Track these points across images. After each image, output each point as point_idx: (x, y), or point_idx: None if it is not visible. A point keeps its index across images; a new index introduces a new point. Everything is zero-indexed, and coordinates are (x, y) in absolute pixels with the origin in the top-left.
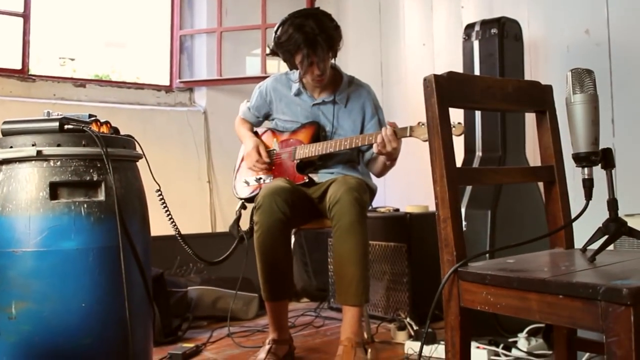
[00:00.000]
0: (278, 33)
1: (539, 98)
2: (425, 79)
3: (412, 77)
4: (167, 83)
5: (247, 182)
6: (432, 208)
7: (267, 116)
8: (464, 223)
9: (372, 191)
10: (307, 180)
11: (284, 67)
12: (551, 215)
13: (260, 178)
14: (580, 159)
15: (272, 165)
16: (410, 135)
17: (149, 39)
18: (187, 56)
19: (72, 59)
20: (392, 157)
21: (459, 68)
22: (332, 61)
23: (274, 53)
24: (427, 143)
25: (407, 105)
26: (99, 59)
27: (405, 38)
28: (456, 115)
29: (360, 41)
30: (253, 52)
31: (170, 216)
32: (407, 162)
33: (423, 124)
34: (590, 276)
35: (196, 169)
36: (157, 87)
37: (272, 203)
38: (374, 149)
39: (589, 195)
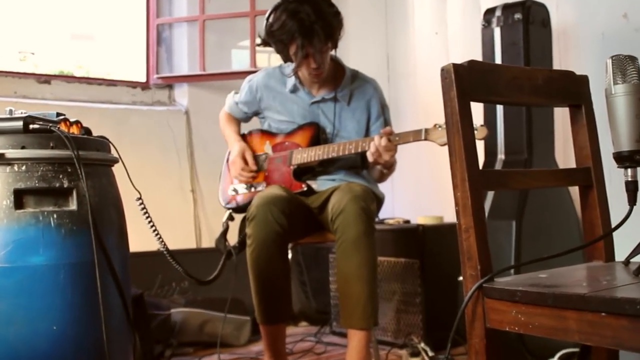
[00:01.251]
0: (270, 20)
1: (573, 90)
2: (443, 70)
3: (422, 71)
4: (143, 79)
5: (235, 190)
6: (447, 219)
7: (256, 114)
8: None
9: (379, 200)
10: (305, 189)
11: (275, 60)
12: (588, 223)
13: (252, 186)
14: (623, 159)
15: (265, 172)
16: (425, 139)
17: (121, 29)
18: (165, 48)
19: (33, 53)
20: (388, 165)
21: (477, 56)
22: (332, 53)
23: (265, 43)
24: (444, 147)
25: (417, 103)
26: (64, 53)
27: (415, 25)
28: (475, 114)
29: (364, 29)
30: (240, 43)
31: (154, 229)
32: (418, 168)
33: (440, 127)
34: (637, 291)
35: (178, 177)
36: (132, 84)
37: (267, 214)
38: (369, 158)
39: (633, 200)
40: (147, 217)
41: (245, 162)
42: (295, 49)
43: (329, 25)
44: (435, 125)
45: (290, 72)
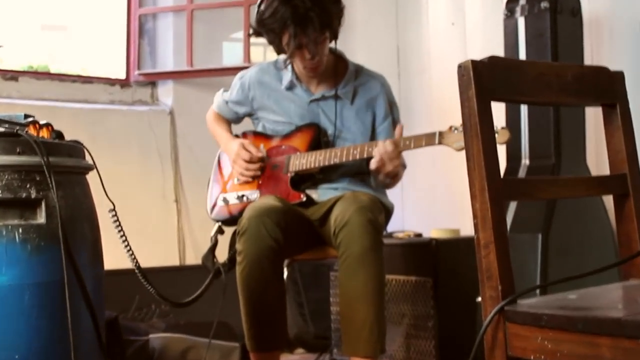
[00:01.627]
0: (262, 7)
1: (607, 88)
2: (460, 66)
3: (437, 66)
4: (123, 76)
5: (225, 200)
6: (464, 232)
7: (248, 114)
8: None
9: (388, 211)
10: (304, 199)
11: (272, 55)
12: (624, 237)
13: (243, 195)
14: None
15: (259, 180)
16: (439, 143)
17: (99, 19)
18: (148, 41)
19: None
20: (391, 175)
21: (498, 53)
22: (332, 45)
23: (257, 33)
24: (461, 153)
25: (431, 102)
26: (34, 46)
27: (430, 15)
28: (496, 115)
29: (371, 20)
30: (233, 35)
31: (126, 243)
32: (432, 175)
33: (456, 129)
34: None
35: (160, 185)
36: (110, 81)
37: (260, 227)
38: (371, 166)
39: None
40: (119, 230)
41: (250, 152)
42: (288, 38)
43: (326, 13)
44: (450, 128)
45: (282, 65)
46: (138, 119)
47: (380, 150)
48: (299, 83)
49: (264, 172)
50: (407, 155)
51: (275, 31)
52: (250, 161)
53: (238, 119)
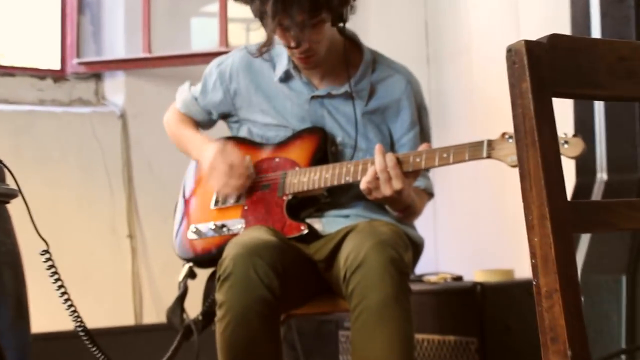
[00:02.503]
0: None
1: None
2: (510, 50)
3: (480, 47)
4: (57, 66)
5: (198, 232)
6: (520, 274)
7: (225, 116)
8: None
9: (416, 247)
10: (304, 231)
11: (255, 38)
12: None
13: (223, 226)
14: None
15: (244, 204)
16: (489, 157)
17: None
18: (90, 19)
19: None
20: (397, 206)
21: (562, 29)
22: (332, 27)
23: None
24: (515, 169)
25: (472, 96)
26: None
27: None
28: (560, 117)
29: None
30: (203, 9)
31: (65, 296)
32: (475, 198)
33: (511, 138)
34: None
35: (109, 215)
36: (39, 73)
37: (248, 270)
38: (361, 187)
39: None
40: (55, 280)
41: (233, 158)
42: (268, 14)
43: None
44: (504, 135)
45: (280, 52)
46: (78, 125)
47: (377, 164)
48: (298, 74)
49: (251, 193)
50: (440, 171)
51: (255, 2)
52: (232, 168)
53: (210, 123)
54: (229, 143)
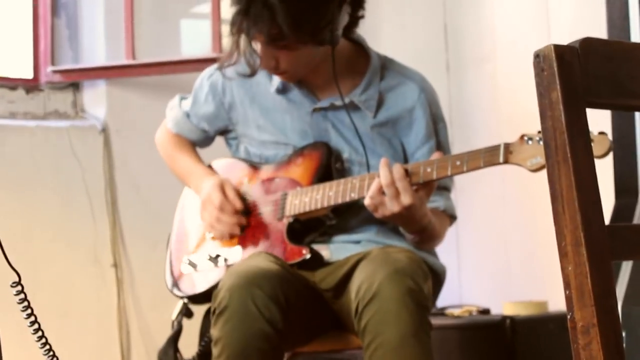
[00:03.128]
0: None
1: None
2: (537, 55)
3: (506, 51)
4: (30, 74)
5: (192, 264)
6: (554, 306)
7: (222, 131)
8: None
9: (437, 276)
10: (307, 257)
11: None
12: None
13: (219, 256)
14: None
15: (242, 231)
16: (506, 162)
17: None
18: (66, 22)
19: None
20: (412, 228)
21: (598, 31)
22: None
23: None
24: (539, 175)
25: (497, 106)
26: None
27: None
28: (595, 125)
29: None
30: (193, 10)
31: (40, 334)
32: (502, 220)
33: (530, 139)
34: None
35: (90, 242)
36: (9, 83)
37: (247, 302)
38: (365, 203)
39: None
40: (28, 315)
41: (225, 195)
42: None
43: (303, 11)
44: (522, 138)
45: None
46: (54, 141)
47: (382, 177)
48: (296, 84)
49: (249, 218)
50: (463, 191)
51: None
52: (220, 209)
53: (207, 140)
54: (228, 181)
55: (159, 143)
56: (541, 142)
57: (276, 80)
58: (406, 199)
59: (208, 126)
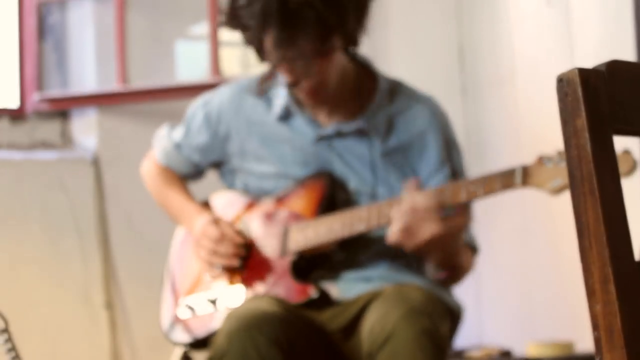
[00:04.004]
0: None
1: None
2: (561, 80)
3: (526, 72)
4: (15, 103)
5: (191, 309)
6: (582, 347)
7: (215, 164)
8: None
9: (454, 315)
10: (314, 296)
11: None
12: None
13: (218, 298)
14: None
15: (241, 270)
16: (525, 184)
17: None
18: (54, 46)
19: None
20: (444, 259)
21: (625, 51)
22: (344, 54)
23: (229, 24)
24: (563, 203)
25: (518, 135)
26: None
27: None
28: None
29: (416, 5)
30: (189, 30)
31: None
32: (524, 254)
33: (549, 160)
34: None
35: (80, 281)
36: None
37: (246, 348)
38: (389, 236)
39: None
40: None
41: (221, 231)
42: (270, 44)
43: (336, 8)
44: (540, 160)
45: (278, 87)
46: (41, 174)
47: (405, 205)
48: (299, 109)
49: (250, 257)
50: (481, 217)
51: (252, 28)
52: (218, 241)
53: (198, 174)
54: (223, 199)
55: (146, 176)
56: (562, 164)
57: (277, 106)
58: (433, 227)
59: (200, 158)
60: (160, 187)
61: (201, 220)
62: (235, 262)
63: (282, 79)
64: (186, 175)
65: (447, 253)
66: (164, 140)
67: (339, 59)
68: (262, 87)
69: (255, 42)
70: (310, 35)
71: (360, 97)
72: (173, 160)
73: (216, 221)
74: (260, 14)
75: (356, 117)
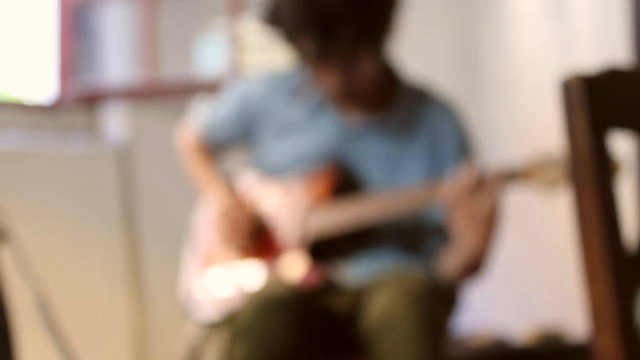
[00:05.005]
0: None
1: None
2: (564, 85)
3: (529, 78)
4: (46, 97)
5: (209, 288)
6: (576, 332)
7: (244, 141)
8: None
9: (452, 300)
10: (326, 281)
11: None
12: None
13: (235, 279)
14: None
15: (252, 250)
16: (523, 181)
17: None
18: (87, 44)
19: None
20: (482, 242)
21: (623, 55)
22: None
23: (270, 23)
24: (556, 194)
25: (520, 138)
26: None
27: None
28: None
29: (423, 12)
30: (213, 25)
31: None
32: (521, 239)
33: (546, 159)
34: None
35: (108, 267)
36: (25, 105)
37: (265, 326)
38: (441, 197)
39: None
40: (55, 338)
41: (236, 220)
42: (308, 44)
43: (381, 13)
44: (539, 159)
45: (301, 82)
46: (70, 165)
47: (452, 183)
48: (327, 105)
49: (264, 240)
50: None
51: (290, 31)
52: (238, 221)
53: (231, 143)
54: (245, 198)
55: (183, 148)
56: (559, 163)
57: (306, 101)
58: (489, 200)
59: (239, 127)
60: (195, 156)
61: (225, 197)
62: (252, 242)
63: (315, 78)
64: (221, 142)
65: (490, 237)
66: (200, 111)
67: (369, 62)
68: (304, 90)
69: (292, 37)
70: (351, 33)
71: (384, 95)
72: (216, 127)
73: (239, 201)
74: (298, 21)
75: (380, 116)
